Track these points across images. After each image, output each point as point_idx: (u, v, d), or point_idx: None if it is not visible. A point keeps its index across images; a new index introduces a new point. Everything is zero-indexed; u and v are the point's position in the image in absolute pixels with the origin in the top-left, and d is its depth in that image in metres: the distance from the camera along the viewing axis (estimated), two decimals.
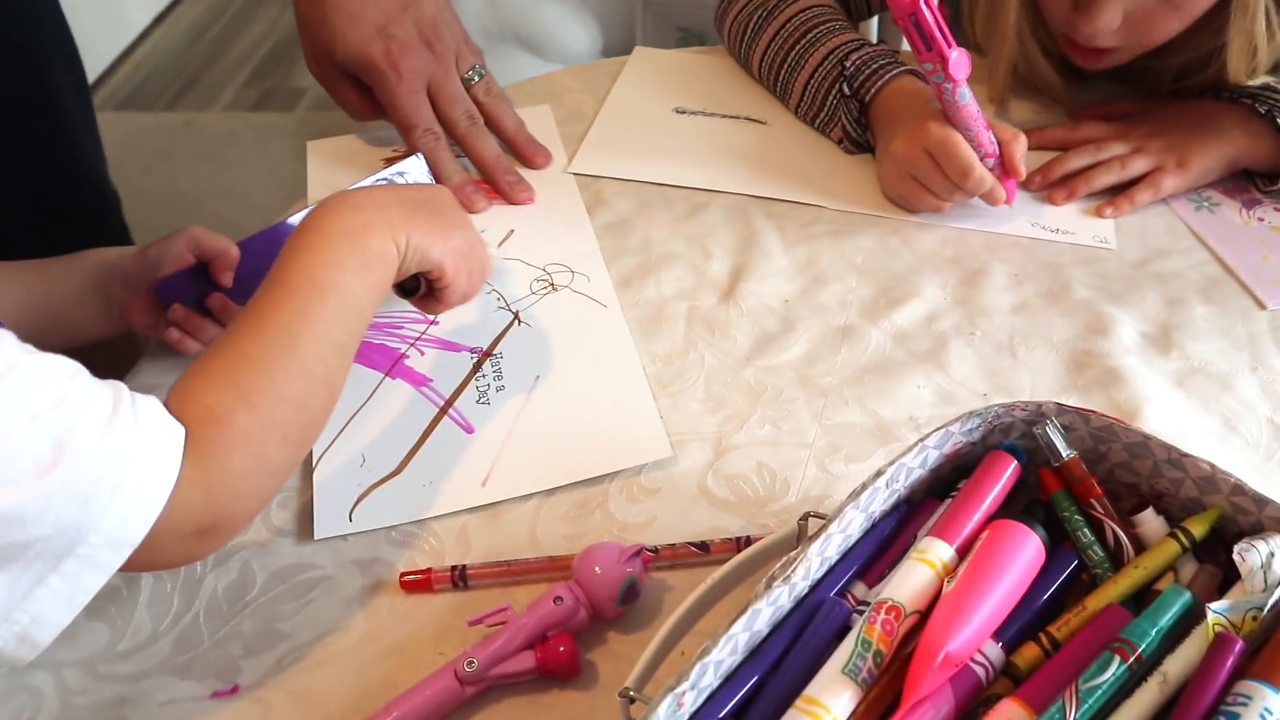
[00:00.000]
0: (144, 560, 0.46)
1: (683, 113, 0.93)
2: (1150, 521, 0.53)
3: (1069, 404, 0.54)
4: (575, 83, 0.99)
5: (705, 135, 0.90)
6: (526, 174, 0.87)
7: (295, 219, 0.75)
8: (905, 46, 1.11)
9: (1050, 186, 0.86)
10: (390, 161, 0.89)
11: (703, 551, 0.58)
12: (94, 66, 2.81)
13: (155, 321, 0.72)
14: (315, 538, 0.62)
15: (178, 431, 0.47)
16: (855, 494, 0.49)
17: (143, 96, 2.79)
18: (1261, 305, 0.77)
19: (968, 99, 0.77)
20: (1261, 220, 0.85)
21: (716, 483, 0.63)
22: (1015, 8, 0.84)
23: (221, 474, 0.48)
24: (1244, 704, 0.42)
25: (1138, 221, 0.84)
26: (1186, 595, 0.47)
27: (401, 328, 0.74)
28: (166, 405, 0.49)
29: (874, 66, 0.85)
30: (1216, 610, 0.46)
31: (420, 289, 0.62)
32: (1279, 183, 0.84)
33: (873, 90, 0.85)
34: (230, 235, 0.76)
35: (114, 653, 0.58)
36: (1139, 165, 0.85)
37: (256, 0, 3.18)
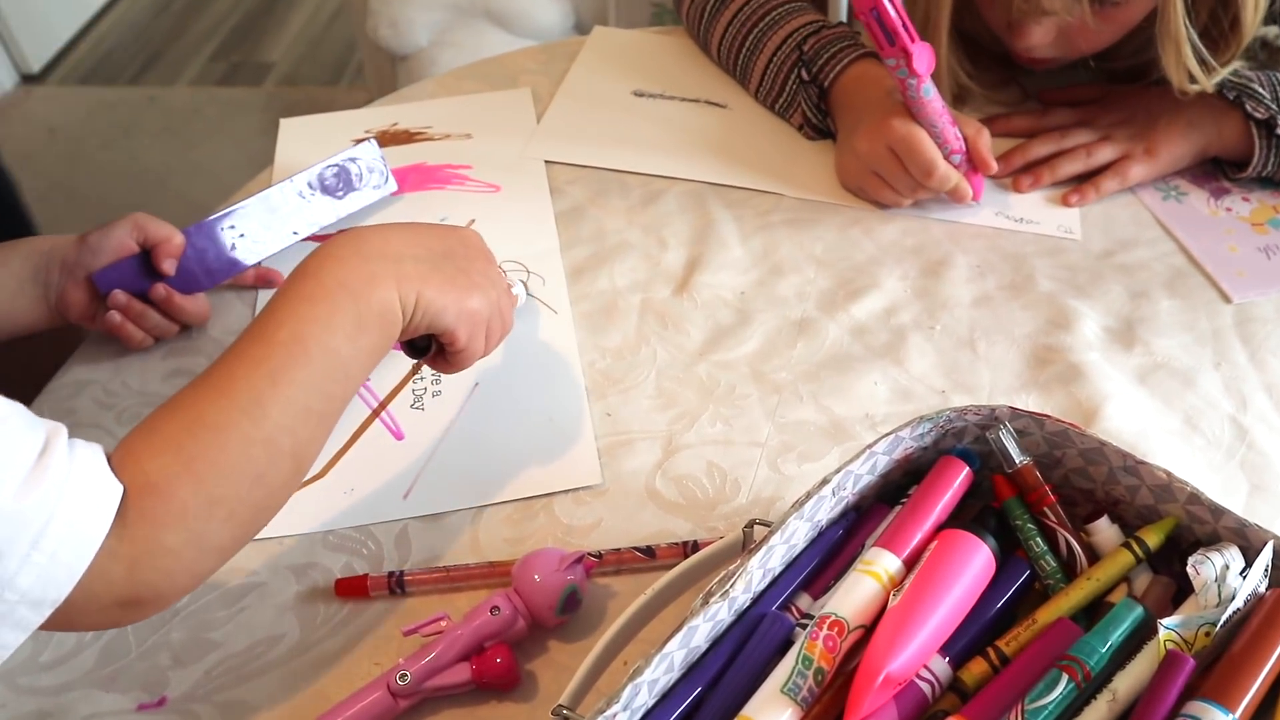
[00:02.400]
0: (63, 622, 0.42)
1: (641, 95, 0.90)
2: (1104, 530, 0.51)
3: (1023, 408, 0.52)
4: (533, 64, 0.96)
5: (664, 119, 0.88)
6: (496, 161, 0.84)
7: (245, 204, 0.73)
8: None
9: (1015, 174, 0.84)
10: (384, 141, 0.86)
11: (648, 557, 0.57)
12: (56, 39, 2.76)
13: (94, 313, 0.69)
14: None
15: (113, 492, 0.42)
16: (799, 503, 0.48)
17: (105, 70, 2.74)
18: (1227, 299, 0.75)
19: (932, 94, 0.75)
20: (1229, 210, 0.83)
21: (665, 484, 0.61)
22: (947, 19, 0.82)
23: (150, 549, 0.42)
24: None
25: (1103, 211, 0.82)
26: (1138, 610, 0.46)
27: None
28: (110, 460, 0.43)
29: (833, 50, 0.83)
30: (1168, 626, 0.44)
31: (431, 349, 0.56)
32: (1248, 171, 0.83)
33: (832, 75, 0.82)
34: (195, 215, 0.73)
35: (36, 664, 0.56)
36: (1105, 153, 0.83)
37: None
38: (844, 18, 1.02)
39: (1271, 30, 0.85)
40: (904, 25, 0.71)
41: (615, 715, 0.41)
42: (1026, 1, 0.76)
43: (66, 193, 2.25)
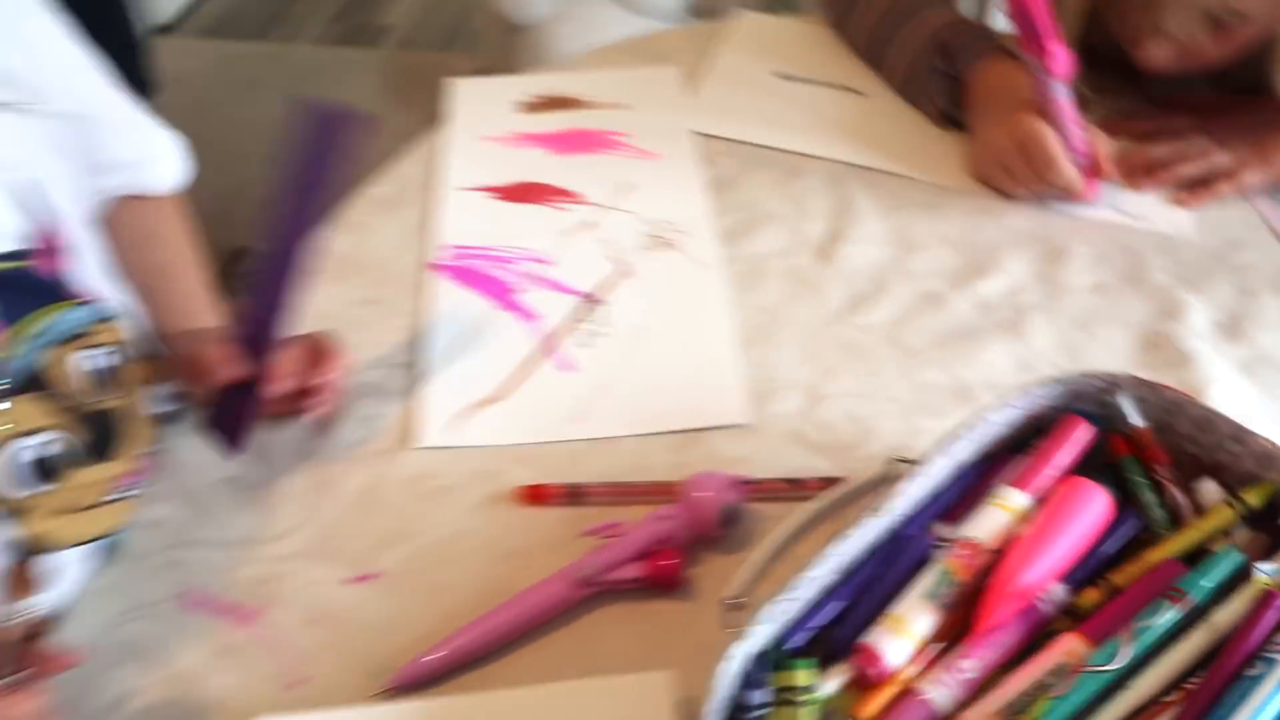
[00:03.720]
0: None
1: (786, 79, 0.97)
2: (1209, 490, 0.58)
3: (1142, 378, 0.59)
4: (680, 44, 1.04)
5: (806, 102, 0.95)
6: (650, 131, 0.92)
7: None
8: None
9: (1134, 174, 0.90)
10: (528, 108, 0.93)
11: (795, 487, 0.64)
12: None
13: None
14: (420, 445, 0.69)
15: None
16: (945, 442, 0.55)
17: (232, 26, 2.86)
18: None
19: (1064, 95, 0.81)
20: None
21: (808, 427, 0.69)
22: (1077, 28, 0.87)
23: None
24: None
25: (1216, 213, 0.88)
26: (1237, 555, 0.52)
27: (516, 263, 0.80)
28: None
29: (969, 44, 0.89)
30: (1264, 570, 0.51)
31: None
32: None
33: (967, 68, 0.89)
34: None
35: (262, 537, 0.65)
36: (1222, 159, 0.89)
37: None
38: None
39: None
40: (1047, 26, 0.77)
41: (786, 602, 0.49)
42: (1147, 21, 0.82)
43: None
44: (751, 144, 0.91)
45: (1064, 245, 0.84)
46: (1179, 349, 0.75)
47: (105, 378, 0.67)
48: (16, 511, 0.62)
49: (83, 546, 0.64)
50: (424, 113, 2.69)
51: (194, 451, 0.69)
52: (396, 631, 0.60)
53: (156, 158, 0.78)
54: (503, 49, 2.39)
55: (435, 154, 0.92)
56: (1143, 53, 0.85)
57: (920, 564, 0.54)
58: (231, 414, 0.65)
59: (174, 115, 2.72)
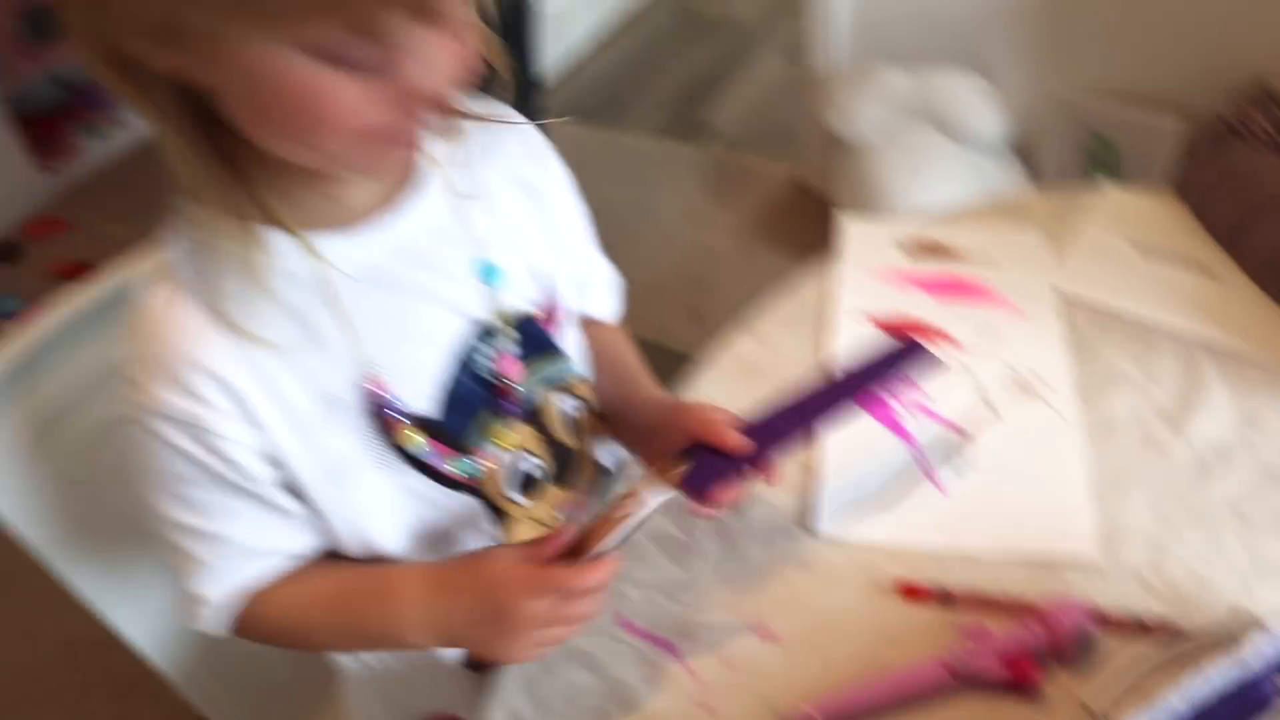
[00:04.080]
0: None
1: (1145, 252, 1.07)
2: None
3: None
4: (1048, 207, 1.16)
5: (1164, 278, 1.05)
6: (1018, 287, 1.04)
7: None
8: None
9: None
10: (906, 250, 1.07)
11: (1142, 627, 0.74)
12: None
13: None
14: (816, 531, 0.84)
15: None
16: None
17: (574, 111, 3.18)
18: None
19: None
20: None
21: (1151, 577, 0.79)
22: None
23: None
24: None
25: None
26: None
27: (899, 393, 0.94)
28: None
29: None
30: None
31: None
32: None
33: None
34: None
35: (684, 586, 0.81)
36: None
37: (684, 38, 3.52)
38: None
39: None
40: None
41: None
42: None
43: None
44: (1110, 311, 1.02)
45: None
46: None
47: (572, 422, 0.85)
48: (505, 512, 0.81)
49: None
50: (739, 211, 2.93)
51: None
52: (787, 683, 0.74)
53: (601, 285, 0.94)
54: (824, 161, 2.56)
55: (828, 281, 1.08)
56: None
57: (1263, 713, 0.63)
58: (709, 475, 0.76)
59: None
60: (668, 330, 1.00)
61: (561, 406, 0.84)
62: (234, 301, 0.66)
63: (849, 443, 0.89)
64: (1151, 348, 0.98)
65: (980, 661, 0.71)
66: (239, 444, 0.69)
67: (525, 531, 0.83)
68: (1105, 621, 0.75)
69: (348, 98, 0.57)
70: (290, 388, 0.69)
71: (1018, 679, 0.71)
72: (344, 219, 0.70)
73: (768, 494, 0.87)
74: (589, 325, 0.92)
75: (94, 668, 1.80)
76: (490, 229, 0.78)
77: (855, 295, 1.04)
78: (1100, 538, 0.82)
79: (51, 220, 2.99)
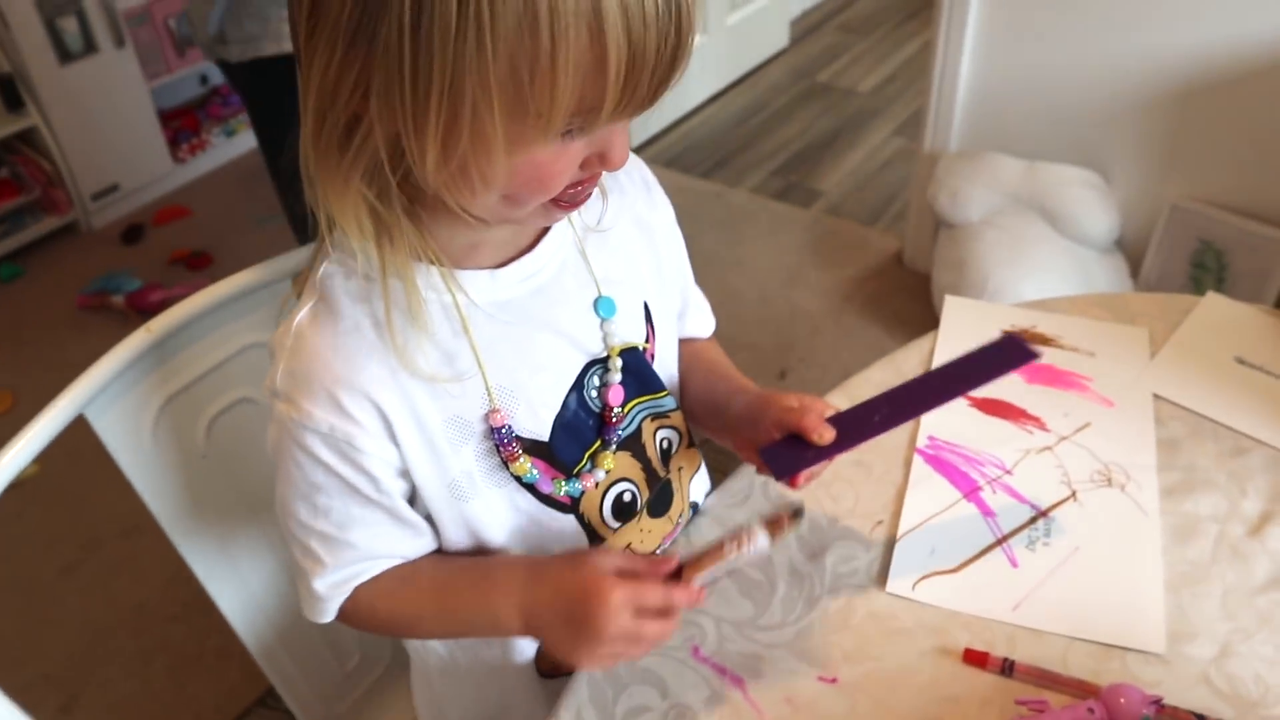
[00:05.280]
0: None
1: (1243, 363, 1.09)
2: None
3: None
4: (1152, 309, 1.18)
5: (1259, 388, 1.06)
6: (1111, 380, 1.06)
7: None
8: None
9: None
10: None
11: None
12: (650, 127, 3.30)
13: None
14: (885, 589, 0.86)
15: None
16: None
17: (685, 160, 3.25)
18: None
19: None
20: None
21: (1217, 675, 0.80)
22: None
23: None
24: None
25: None
26: None
27: (984, 465, 0.96)
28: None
29: None
30: None
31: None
32: None
33: None
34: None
35: (756, 624, 0.84)
36: None
37: (799, 101, 3.59)
38: None
39: None
40: None
41: None
42: None
43: None
44: (1202, 415, 1.03)
45: None
46: None
47: (667, 453, 0.90)
48: (600, 535, 0.85)
49: None
50: (836, 277, 2.96)
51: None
52: None
53: (697, 308, 0.99)
54: (925, 238, 2.59)
55: (929, 355, 1.11)
56: None
57: None
58: (795, 458, 0.80)
59: None
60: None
61: (658, 437, 0.89)
62: (394, 331, 0.72)
63: (928, 505, 0.92)
64: (1241, 456, 1.00)
65: None
66: (381, 460, 0.75)
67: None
68: (1165, 711, 0.76)
69: (567, 166, 0.65)
70: (429, 411, 0.75)
71: None
72: (488, 259, 0.76)
73: (845, 546, 0.90)
74: (684, 344, 0.97)
75: (159, 635, 1.88)
76: (608, 264, 0.83)
77: None
78: (1168, 632, 0.83)
79: (176, 208, 3.14)
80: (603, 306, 0.82)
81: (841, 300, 2.60)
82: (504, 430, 0.77)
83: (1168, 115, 2.24)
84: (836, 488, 0.95)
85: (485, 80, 0.57)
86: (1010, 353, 0.79)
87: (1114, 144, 2.36)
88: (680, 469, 0.93)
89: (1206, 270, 2.36)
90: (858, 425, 0.80)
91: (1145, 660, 0.81)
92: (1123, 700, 0.74)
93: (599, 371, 0.83)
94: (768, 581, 0.88)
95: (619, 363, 0.83)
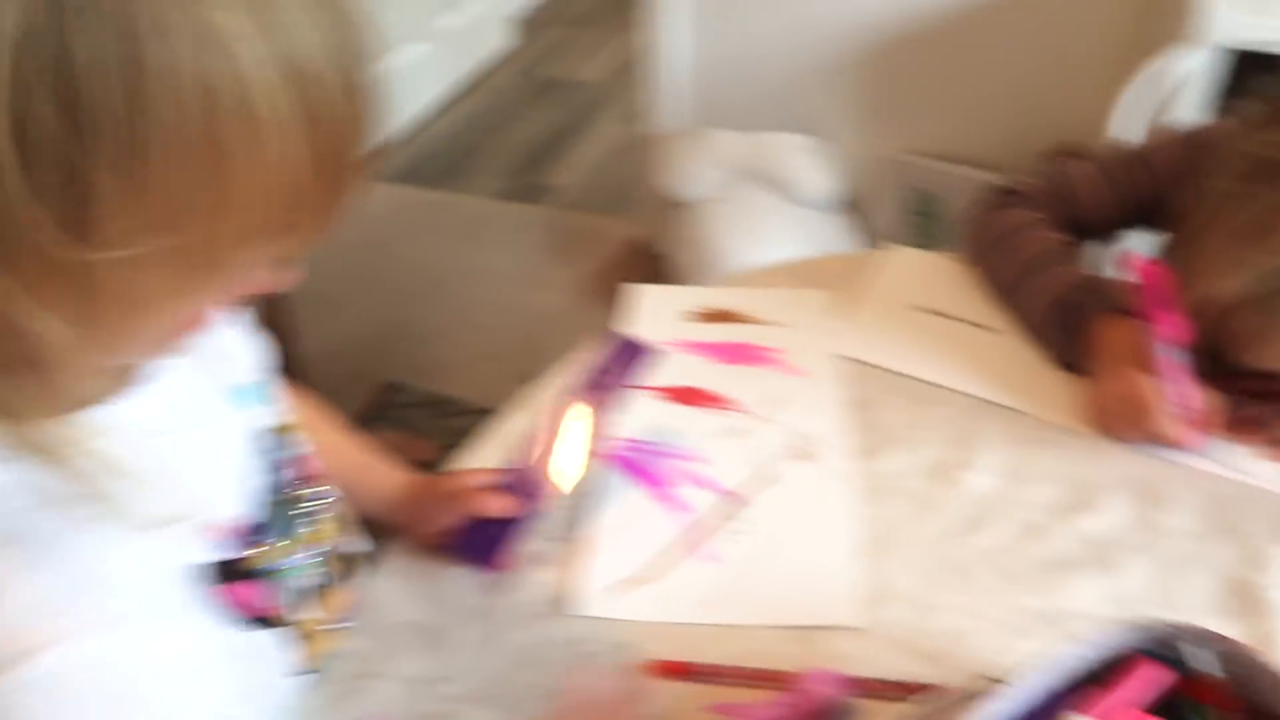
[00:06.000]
0: None
1: (928, 312, 1.09)
2: None
3: (1217, 630, 0.67)
4: (840, 269, 1.17)
5: (944, 335, 1.07)
6: (803, 349, 1.04)
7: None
8: None
9: (1240, 430, 0.98)
10: (694, 317, 1.07)
11: (899, 689, 0.74)
12: (378, 140, 3.17)
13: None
14: (576, 613, 0.81)
15: None
16: (1026, 669, 0.64)
17: (414, 174, 3.14)
18: None
19: (1175, 357, 0.91)
20: None
21: (913, 636, 0.79)
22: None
23: None
24: None
25: None
26: None
27: (677, 459, 0.92)
28: None
29: (1092, 302, 1.00)
30: None
31: None
32: None
33: (1089, 324, 1.00)
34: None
35: (437, 676, 0.77)
36: None
37: (528, 100, 3.54)
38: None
39: None
40: (1167, 300, 0.88)
41: None
42: (1251, 357, 0.92)
43: (368, 275, 2.61)
44: (891, 371, 1.03)
45: (1165, 491, 0.92)
46: (1258, 598, 0.83)
47: (332, 519, 0.81)
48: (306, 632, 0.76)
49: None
50: (576, 272, 2.91)
51: (384, 593, 0.82)
52: None
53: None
54: (660, 221, 2.58)
55: None
56: (1258, 363, 0.94)
57: None
58: (485, 542, 0.78)
59: (349, 253, 2.98)
60: (500, 395, 0.99)
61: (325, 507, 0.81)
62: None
63: (617, 517, 0.87)
64: (929, 406, 1.00)
65: None
66: None
67: (321, 642, 0.78)
68: (864, 687, 0.74)
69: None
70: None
71: None
72: (120, 384, 0.64)
73: (533, 575, 0.84)
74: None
75: None
76: (227, 350, 0.75)
77: None
78: (866, 601, 0.81)
79: None
80: (238, 394, 0.74)
81: (585, 295, 2.56)
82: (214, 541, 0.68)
83: (874, 73, 2.31)
84: None
85: None
86: (629, 354, 0.76)
87: (828, 106, 2.42)
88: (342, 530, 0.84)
89: (928, 218, 2.44)
90: (532, 475, 0.76)
91: (846, 637, 0.79)
92: (818, 689, 0.71)
93: (266, 452, 0.74)
94: (442, 627, 0.81)
95: (273, 440, 0.75)
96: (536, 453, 0.81)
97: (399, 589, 0.83)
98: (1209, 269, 0.89)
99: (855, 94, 2.37)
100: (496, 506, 0.76)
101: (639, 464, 0.92)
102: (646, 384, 1.00)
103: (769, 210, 2.39)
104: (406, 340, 2.49)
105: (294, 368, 1.87)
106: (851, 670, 0.75)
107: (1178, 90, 1.65)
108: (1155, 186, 1.06)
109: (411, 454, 0.94)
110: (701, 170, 2.43)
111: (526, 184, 3.08)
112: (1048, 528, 0.88)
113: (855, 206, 2.52)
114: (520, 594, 0.83)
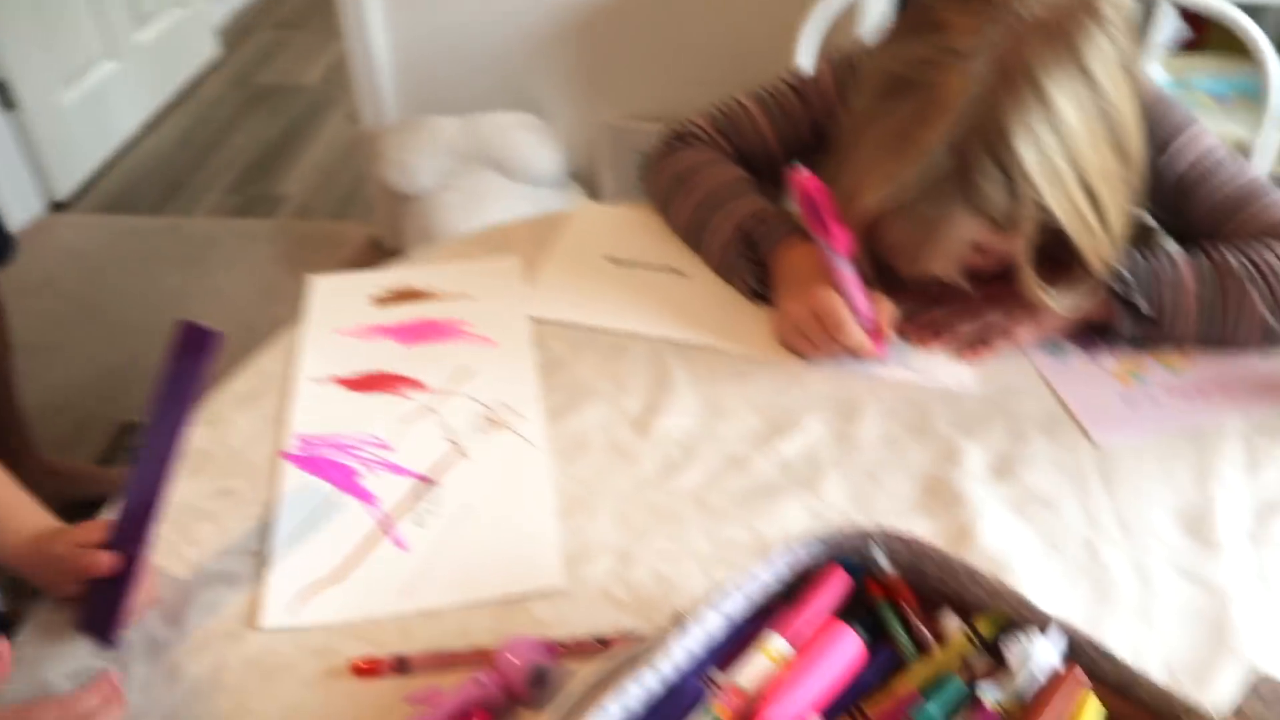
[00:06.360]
0: None
1: (616, 263, 1.08)
2: (951, 621, 0.66)
3: (895, 530, 0.68)
4: (527, 233, 1.14)
5: (633, 284, 1.05)
6: (491, 318, 1.01)
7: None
8: None
9: (921, 335, 1.01)
10: (380, 301, 1.02)
11: (603, 645, 0.71)
12: (84, 168, 2.95)
13: None
14: (264, 627, 0.75)
15: None
16: (713, 600, 0.63)
17: (130, 200, 2.94)
18: (1090, 440, 0.91)
19: (848, 269, 0.92)
20: (1100, 365, 1.00)
21: (619, 588, 0.77)
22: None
23: None
24: None
25: (995, 365, 0.99)
26: (961, 684, 0.61)
27: (360, 449, 0.87)
28: None
29: (771, 230, 1.01)
30: (987, 692, 0.59)
31: None
32: (1114, 335, 1.00)
33: (769, 251, 1.00)
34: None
35: None
36: (998, 318, 1.01)
37: (244, 109, 3.36)
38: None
39: (1142, 214, 1.04)
40: (830, 211, 0.89)
41: None
42: (915, 271, 0.95)
43: (88, 315, 2.42)
44: (581, 326, 1.01)
45: (858, 404, 0.94)
46: (955, 491, 0.85)
47: None
48: None
49: None
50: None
51: (45, 645, 0.74)
52: None
53: None
54: (393, 217, 2.50)
55: (292, 348, 1.00)
56: (918, 275, 0.97)
57: (695, 708, 0.61)
58: (103, 606, 0.71)
59: (69, 290, 2.77)
60: None
61: None
62: None
63: (303, 513, 0.82)
64: (623, 357, 0.98)
65: None
66: None
67: None
68: (562, 649, 0.71)
69: None
70: None
71: None
72: None
73: (210, 592, 0.77)
74: None
75: None
76: None
77: (320, 359, 0.97)
78: (568, 562, 0.79)
79: None
80: None
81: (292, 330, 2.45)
82: None
83: (582, 43, 2.32)
84: (196, 530, 0.82)
85: None
86: (196, 341, 0.70)
87: (541, 81, 2.41)
88: None
89: None
90: (137, 519, 0.70)
91: (549, 601, 0.76)
92: (513, 658, 0.68)
93: None
94: (120, 668, 0.73)
95: None
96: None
97: (62, 636, 0.74)
98: (859, 186, 0.91)
99: (564, 64, 2.37)
100: (104, 565, 0.70)
101: (322, 460, 0.86)
102: (328, 377, 0.94)
103: (496, 192, 2.35)
104: (139, 377, 2.31)
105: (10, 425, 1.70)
106: (555, 633, 0.73)
107: (853, 15, 1.71)
108: (810, 114, 1.08)
109: None
110: (423, 161, 2.36)
111: (254, 197, 2.93)
112: (748, 458, 0.88)
113: (584, 178, 2.52)
114: (202, 619, 0.76)
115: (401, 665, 0.71)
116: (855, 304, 0.94)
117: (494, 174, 2.38)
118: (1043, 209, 0.87)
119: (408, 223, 2.43)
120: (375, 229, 2.65)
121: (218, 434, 0.90)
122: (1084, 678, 0.60)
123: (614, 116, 2.41)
